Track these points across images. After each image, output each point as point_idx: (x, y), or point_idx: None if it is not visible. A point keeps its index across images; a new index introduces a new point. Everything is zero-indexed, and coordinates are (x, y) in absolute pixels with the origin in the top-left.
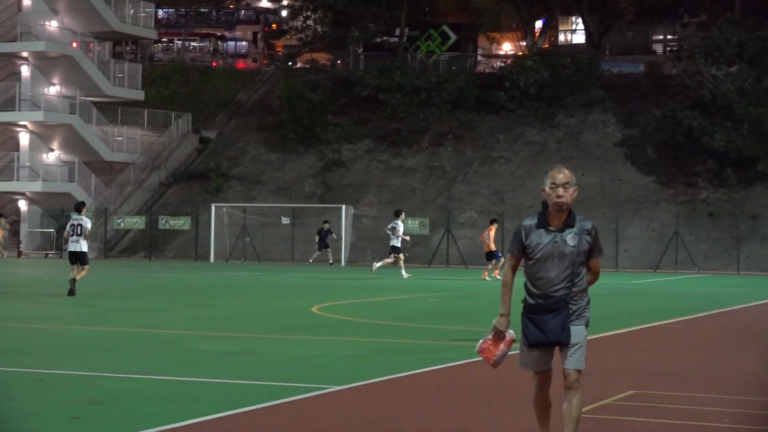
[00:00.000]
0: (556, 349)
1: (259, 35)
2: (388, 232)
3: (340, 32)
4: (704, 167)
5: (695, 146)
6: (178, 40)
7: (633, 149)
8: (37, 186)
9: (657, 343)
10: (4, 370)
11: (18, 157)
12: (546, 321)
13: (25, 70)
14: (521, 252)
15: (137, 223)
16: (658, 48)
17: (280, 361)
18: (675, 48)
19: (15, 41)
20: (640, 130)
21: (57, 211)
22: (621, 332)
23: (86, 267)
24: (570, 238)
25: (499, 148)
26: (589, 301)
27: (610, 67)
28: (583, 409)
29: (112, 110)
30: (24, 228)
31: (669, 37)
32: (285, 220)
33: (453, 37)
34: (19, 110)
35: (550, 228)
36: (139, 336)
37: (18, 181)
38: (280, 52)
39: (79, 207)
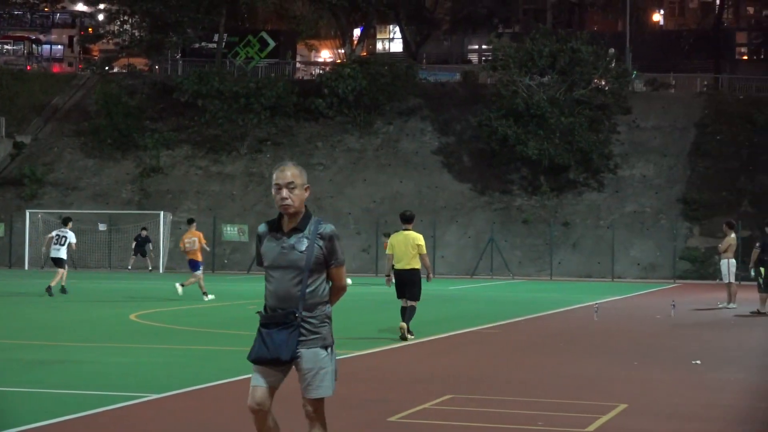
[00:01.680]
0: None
1: (75, 39)
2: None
3: (158, 37)
4: (519, 175)
5: (510, 154)
6: None
7: (450, 157)
8: None
9: (473, 348)
10: None
11: None
12: (272, 335)
13: None
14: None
15: None
16: (474, 57)
17: (97, 369)
18: (490, 58)
19: None
20: (456, 138)
21: None
22: (438, 337)
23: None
24: (298, 243)
25: (318, 155)
26: (327, 316)
27: (428, 76)
28: (402, 413)
29: None
30: None
31: (484, 47)
32: (102, 227)
33: (272, 43)
34: None
35: (279, 233)
36: None
37: None
38: (96, 56)
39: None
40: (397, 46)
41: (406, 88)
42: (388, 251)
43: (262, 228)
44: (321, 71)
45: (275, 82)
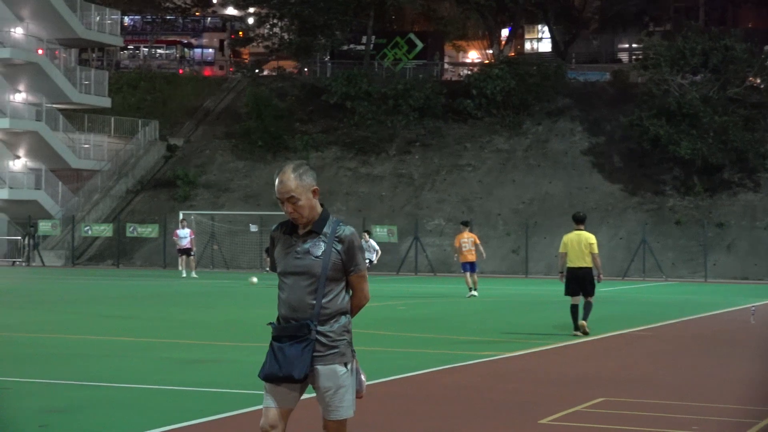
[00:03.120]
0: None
1: (225, 43)
2: None
3: (307, 40)
4: (671, 175)
5: (662, 154)
6: (145, 47)
7: (600, 157)
8: (4, 193)
9: (626, 350)
10: None
11: None
12: (283, 350)
13: None
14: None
15: (105, 230)
16: (624, 56)
17: (249, 369)
18: (640, 56)
19: None
20: (606, 138)
21: (24, 218)
22: (590, 339)
23: None
24: (314, 247)
25: (467, 156)
26: (347, 329)
27: (576, 76)
28: (553, 416)
29: (78, 117)
30: None
31: (634, 45)
32: (253, 228)
33: (420, 45)
34: None
35: (293, 236)
36: (106, 344)
37: None
38: (246, 59)
39: None
40: (545, 46)
41: (554, 88)
42: (561, 249)
43: (274, 230)
44: (469, 72)
45: (423, 84)
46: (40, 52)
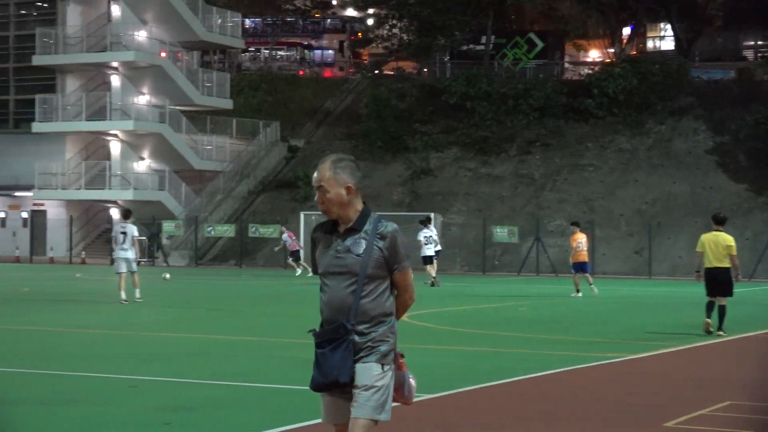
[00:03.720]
0: None
1: (345, 44)
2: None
3: (426, 40)
4: None
5: None
6: (265, 49)
7: (724, 156)
8: (129, 194)
9: (755, 353)
10: (100, 376)
11: (109, 166)
12: (326, 355)
13: (115, 80)
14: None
15: (227, 231)
16: (749, 54)
17: None
18: (766, 54)
19: (105, 51)
20: (731, 137)
21: (148, 219)
22: (718, 342)
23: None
24: (354, 245)
25: (588, 156)
26: (391, 331)
27: (700, 74)
28: (679, 419)
29: (201, 119)
30: None
31: (760, 42)
32: None
33: (540, 44)
34: (110, 119)
35: (333, 235)
36: (229, 343)
37: (110, 189)
38: (366, 60)
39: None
40: (668, 44)
41: (677, 86)
42: (698, 249)
43: (314, 230)
44: (590, 71)
45: (543, 83)
46: (163, 54)
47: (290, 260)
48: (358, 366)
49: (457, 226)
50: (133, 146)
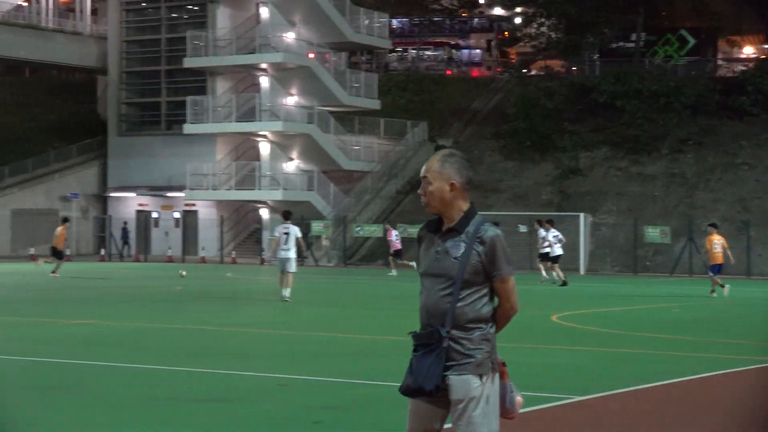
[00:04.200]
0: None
1: (492, 43)
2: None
3: (575, 38)
4: None
5: None
6: (413, 49)
7: None
8: (278, 194)
9: None
10: (251, 375)
11: (259, 167)
12: (418, 360)
13: (264, 81)
14: None
15: (375, 231)
16: None
17: (518, 370)
18: None
19: (254, 53)
20: None
21: (297, 219)
22: None
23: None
24: (454, 247)
25: (743, 155)
26: (486, 338)
27: None
28: None
29: (348, 119)
30: (266, 236)
31: None
32: (522, 229)
33: (691, 41)
34: (260, 120)
35: (436, 235)
36: (379, 343)
37: (259, 190)
38: (513, 59)
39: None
40: None
41: None
42: None
43: (421, 228)
44: (744, 68)
45: (696, 81)
46: (311, 56)
47: (391, 258)
48: (454, 378)
49: (608, 227)
50: (282, 147)
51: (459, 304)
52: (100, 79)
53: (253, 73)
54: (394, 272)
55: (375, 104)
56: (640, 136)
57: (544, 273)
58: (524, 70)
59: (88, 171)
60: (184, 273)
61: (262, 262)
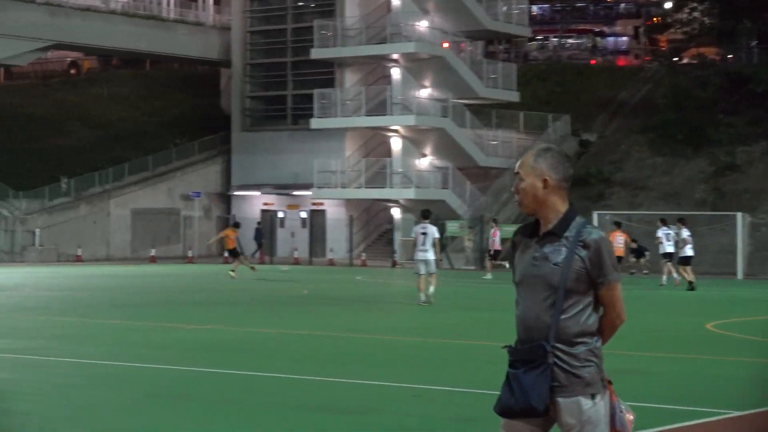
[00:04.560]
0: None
1: (640, 30)
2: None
3: (730, 24)
4: None
5: None
6: (554, 37)
7: None
8: (410, 193)
9: None
10: (382, 384)
11: (390, 163)
12: (518, 377)
13: (395, 73)
14: None
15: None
16: None
17: (672, 382)
18: None
19: (385, 43)
20: None
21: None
22: None
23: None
24: (552, 251)
25: None
26: (593, 353)
27: None
28: None
29: (485, 113)
30: (397, 237)
31: None
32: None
33: None
34: (391, 114)
35: (532, 239)
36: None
37: (391, 188)
38: (663, 47)
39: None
40: None
41: None
42: None
43: (515, 233)
44: None
45: None
46: (445, 45)
47: (488, 260)
48: (564, 401)
49: None
50: (414, 142)
51: (563, 316)
52: (223, 71)
53: (384, 64)
54: (489, 275)
55: (513, 96)
56: None
57: (675, 275)
58: (675, 59)
59: (211, 168)
60: (285, 268)
61: (394, 264)
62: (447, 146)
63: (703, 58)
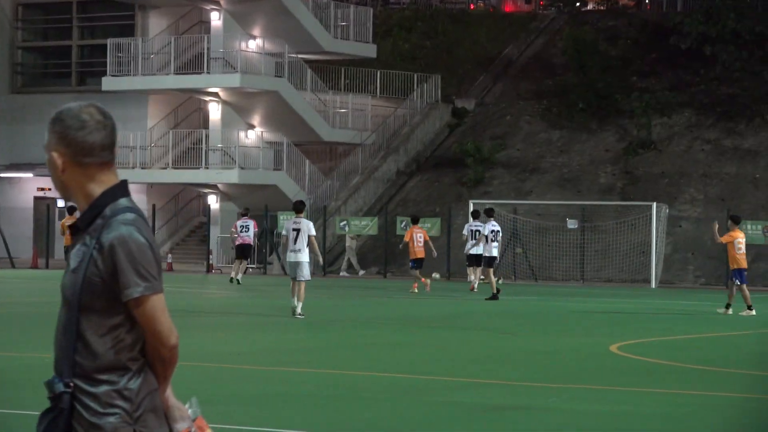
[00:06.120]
0: None
1: None
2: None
3: None
4: None
5: None
6: None
7: None
8: (233, 176)
9: None
10: None
11: (206, 137)
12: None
13: (215, 18)
14: None
15: (367, 227)
16: None
17: (571, 419)
18: None
19: None
20: None
21: (259, 210)
22: None
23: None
24: (75, 253)
25: None
26: (122, 395)
27: None
28: None
29: (332, 72)
30: (215, 233)
31: None
32: (571, 224)
33: None
34: (208, 73)
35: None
36: (372, 381)
37: (207, 169)
38: None
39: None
40: None
41: None
42: None
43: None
44: None
45: None
46: None
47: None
48: None
49: (691, 221)
50: (239, 110)
51: (79, 344)
52: None
53: (201, 6)
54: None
55: (369, 50)
56: (738, 96)
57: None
58: (577, 4)
59: None
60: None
61: (210, 269)
62: (281, 115)
63: (614, 5)
